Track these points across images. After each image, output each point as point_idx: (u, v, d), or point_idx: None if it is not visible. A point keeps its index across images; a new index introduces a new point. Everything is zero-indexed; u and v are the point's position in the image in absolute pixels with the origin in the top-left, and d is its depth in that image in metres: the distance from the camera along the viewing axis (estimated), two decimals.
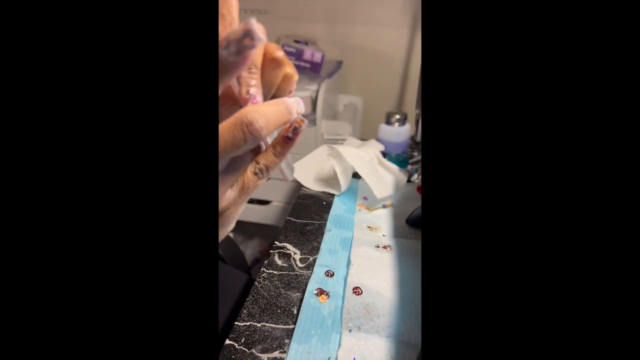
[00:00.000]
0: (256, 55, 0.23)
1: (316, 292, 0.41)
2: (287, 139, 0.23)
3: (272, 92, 0.26)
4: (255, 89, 0.23)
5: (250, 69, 0.23)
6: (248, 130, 0.20)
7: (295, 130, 0.23)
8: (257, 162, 0.23)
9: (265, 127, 0.21)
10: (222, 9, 0.24)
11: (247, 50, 0.17)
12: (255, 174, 0.24)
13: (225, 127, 0.20)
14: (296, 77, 0.26)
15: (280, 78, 0.25)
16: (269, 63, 0.24)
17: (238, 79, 0.23)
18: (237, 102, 0.24)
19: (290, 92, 0.27)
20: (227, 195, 0.23)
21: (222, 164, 0.21)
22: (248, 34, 0.17)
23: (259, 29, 0.17)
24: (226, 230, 0.25)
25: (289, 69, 0.25)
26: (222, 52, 0.17)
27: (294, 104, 0.23)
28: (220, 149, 0.20)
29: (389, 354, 0.34)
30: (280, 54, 0.24)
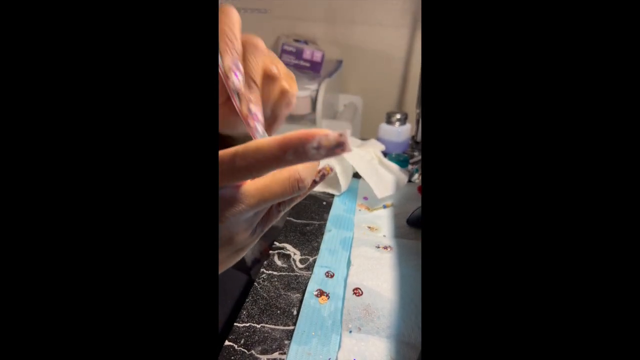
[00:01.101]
0: (256, 71, 0.24)
1: (316, 293, 0.41)
2: (314, 182, 0.24)
3: (268, 107, 0.27)
4: (255, 107, 0.24)
5: (250, 86, 0.24)
6: (298, 186, 0.21)
7: (323, 176, 0.24)
8: (280, 205, 0.25)
9: (310, 183, 0.22)
10: (224, 26, 0.25)
11: (334, 155, 0.18)
12: (280, 210, 0.25)
13: (277, 181, 0.21)
14: (293, 91, 0.27)
15: (276, 93, 0.26)
16: (265, 79, 0.25)
17: (239, 95, 0.24)
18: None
19: (288, 105, 0.28)
20: (254, 229, 0.24)
21: (259, 208, 0.22)
22: (341, 145, 0.17)
23: (349, 139, 0.17)
24: (240, 256, 0.26)
25: (285, 84, 0.26)
26: (311, 150, 0.17)
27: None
28: (268, 197, 0.21)
29: (389, 355, 0.34)
30: (275, 70, 0.25)
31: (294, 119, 0.93)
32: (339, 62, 1.08)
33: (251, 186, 0.21)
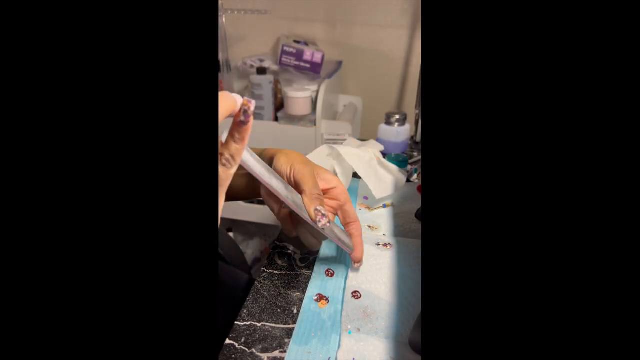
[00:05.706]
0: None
1: (316, 298, 0.41)
2: (241, 123, 0.24)
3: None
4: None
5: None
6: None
7: (246, 113, 0.24)
8: (222, 154, 0.24)
9: (219, 115, 0.22)
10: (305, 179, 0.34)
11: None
12: (224, 164, 0.25)
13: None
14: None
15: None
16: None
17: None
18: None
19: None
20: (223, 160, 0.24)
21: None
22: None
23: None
24: (223, 195, 0.26)
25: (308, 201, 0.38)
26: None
27: (234, 95, 0.24)
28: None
29: (388, 354, 0.34)
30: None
31: (294, 119, 0.93)
32: (339, 63, 1.08)
33: None
